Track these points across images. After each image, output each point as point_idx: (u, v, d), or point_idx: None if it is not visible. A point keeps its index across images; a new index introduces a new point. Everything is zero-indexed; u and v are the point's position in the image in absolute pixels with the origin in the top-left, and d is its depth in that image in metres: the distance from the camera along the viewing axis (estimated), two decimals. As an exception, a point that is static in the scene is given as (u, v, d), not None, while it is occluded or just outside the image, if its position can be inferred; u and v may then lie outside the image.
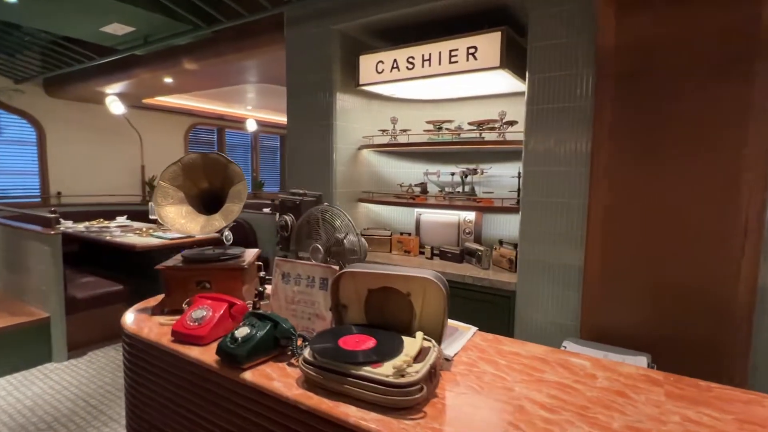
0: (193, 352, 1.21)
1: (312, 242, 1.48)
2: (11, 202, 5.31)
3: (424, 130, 2.87)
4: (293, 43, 2.90)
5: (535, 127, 2.08)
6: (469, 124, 2.75)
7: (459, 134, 2.75)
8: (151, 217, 4.23)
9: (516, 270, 2.28)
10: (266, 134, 9.14)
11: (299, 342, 1.13)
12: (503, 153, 2.78)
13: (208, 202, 1.72)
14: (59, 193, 5.57)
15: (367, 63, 2.69)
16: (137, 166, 6.40)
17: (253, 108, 7.45)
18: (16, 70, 4.89)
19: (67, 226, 4.65)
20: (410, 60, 2.52)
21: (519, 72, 2.32)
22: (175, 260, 1.64)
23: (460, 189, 2.89)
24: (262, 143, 9.13)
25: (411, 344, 1.01)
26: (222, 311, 1.35)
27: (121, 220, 5.10)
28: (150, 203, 4.21)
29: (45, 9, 2.98)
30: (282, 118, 8.41)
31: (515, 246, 2.38)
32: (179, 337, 1.28)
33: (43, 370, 2.93)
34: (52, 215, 2.99)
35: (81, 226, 4.50)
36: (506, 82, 2.49)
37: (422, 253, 2.87)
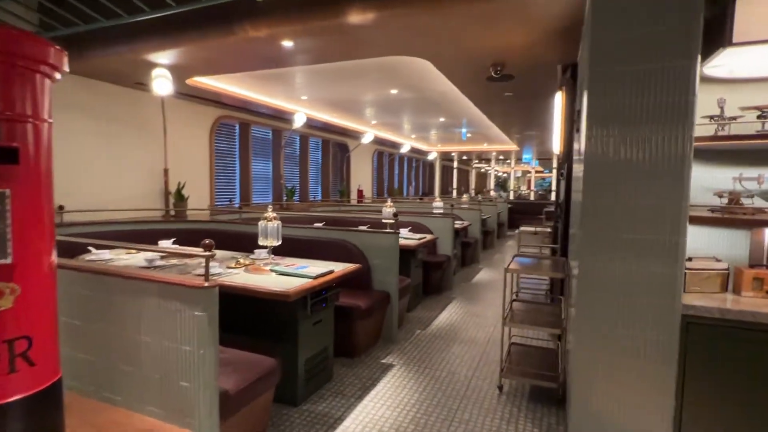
0: None
1: None
2: None
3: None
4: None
5: None
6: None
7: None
8: (262, 242, 2.90)
9: None
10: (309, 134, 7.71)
11: None
12: None
13: None
14: (61, 207, 3.91)
15: (757, 7, 1.75)
16: (159, 169, 4.81)
17: (309, 99, 6.12)
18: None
19: (102, 257, 3.17)
20: None
21: None
22: None
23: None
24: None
25: None
26: None
27: (167, 244, 3.65)
28: (262, 222, 2.87)
29: None
30: (335, 119, 7.10)
31: None
32: None
33: None
34: (207, 252, 1.67)
35: (141, 259, 3.05)
36: None
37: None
